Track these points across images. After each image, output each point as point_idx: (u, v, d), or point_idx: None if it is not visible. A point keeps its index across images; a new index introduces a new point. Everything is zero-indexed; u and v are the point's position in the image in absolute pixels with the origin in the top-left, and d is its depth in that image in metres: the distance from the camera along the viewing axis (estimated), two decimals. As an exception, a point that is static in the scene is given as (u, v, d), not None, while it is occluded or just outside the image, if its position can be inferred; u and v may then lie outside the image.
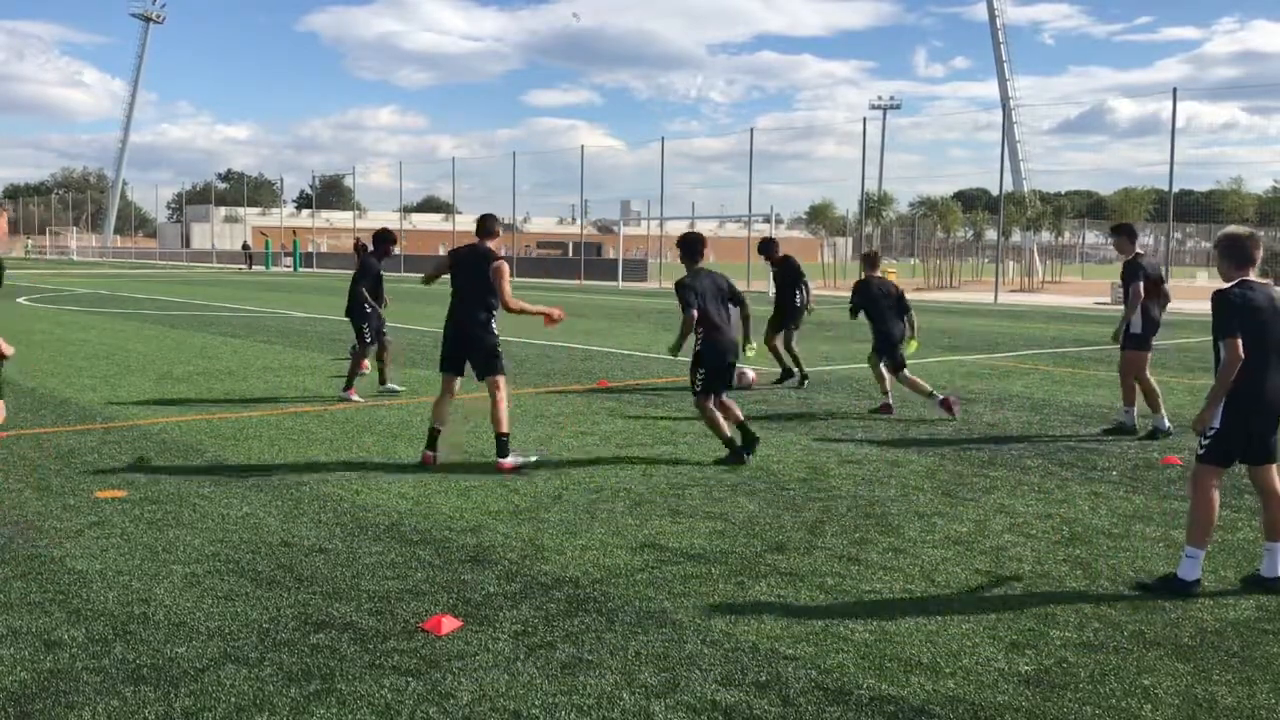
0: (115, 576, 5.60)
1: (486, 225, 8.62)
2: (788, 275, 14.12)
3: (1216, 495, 5.61)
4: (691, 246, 8.70)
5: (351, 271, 12.78)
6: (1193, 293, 43.37)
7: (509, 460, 8.33)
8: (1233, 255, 5.68)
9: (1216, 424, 5.55)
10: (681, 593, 5.45)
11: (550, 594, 5.41)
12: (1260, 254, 5.75)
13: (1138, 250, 10.21)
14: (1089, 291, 42.78)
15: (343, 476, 8.00)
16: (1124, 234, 10.40)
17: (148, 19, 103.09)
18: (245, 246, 72.55)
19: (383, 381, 12.51)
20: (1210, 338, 5.67)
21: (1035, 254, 56.34)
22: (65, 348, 17.04)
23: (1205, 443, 5.62)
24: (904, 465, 8.61)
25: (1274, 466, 5.68)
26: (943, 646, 4.76)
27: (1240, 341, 5.42)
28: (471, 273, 8.43)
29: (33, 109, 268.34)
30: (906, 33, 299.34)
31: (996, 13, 63.62)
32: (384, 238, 12.49)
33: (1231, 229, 5.87)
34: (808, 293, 14.09)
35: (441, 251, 73.19)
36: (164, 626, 4.90)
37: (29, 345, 17.44)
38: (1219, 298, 5.55)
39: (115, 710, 4.05)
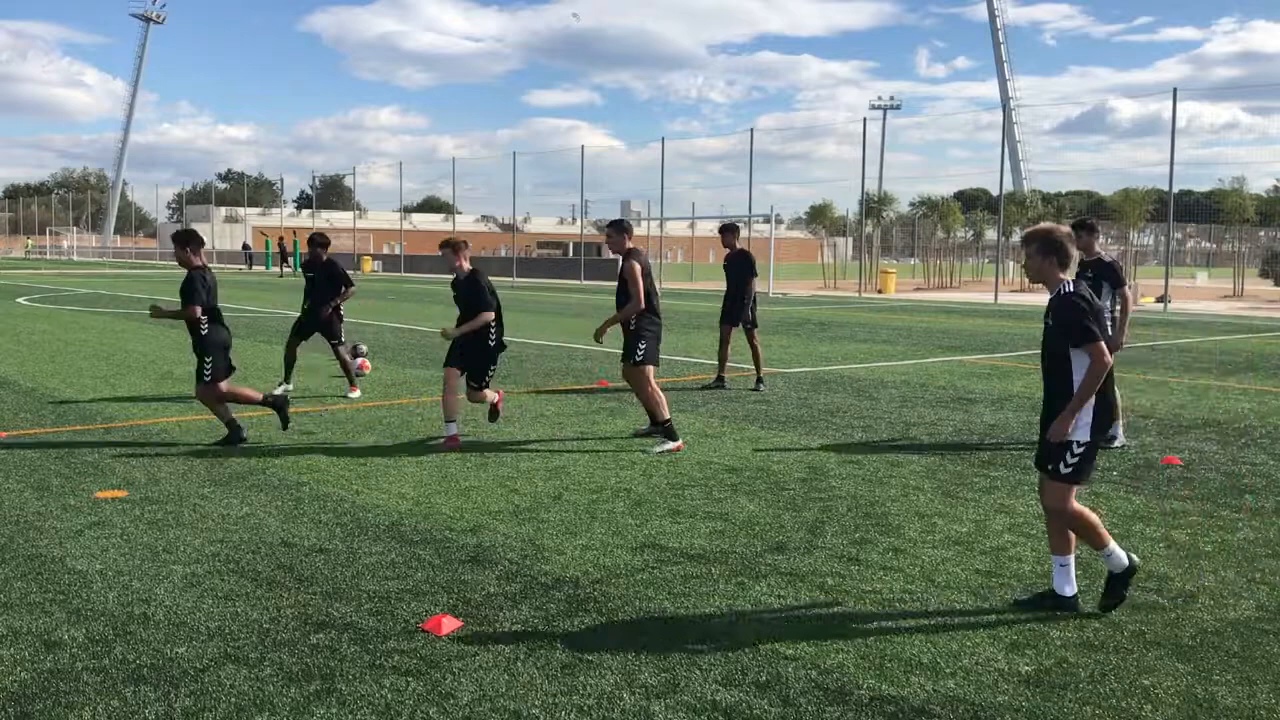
0: (115, 576, 5.60)
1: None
2: (736, 268, 13.35)
3: (1082, 506, 5.21)
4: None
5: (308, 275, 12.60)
6: (1193, 293, 43.40)
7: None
8: (1059, 255, 5.18)
9: (1086, 438, 5.09)
10: (681, 593, 5.45)
11: (550, 594, 5.41)
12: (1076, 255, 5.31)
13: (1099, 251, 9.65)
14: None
15: (343, 476, 8.01)
16: (1094, 232, 9.76)
17: (148, 19, 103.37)
18: (245, 246, 72.58)
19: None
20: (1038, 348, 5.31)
21: (1035, 254, 56.25)
22: (65, 348, 17.04)
23: (1073, 460, 5.10)
24: (904, 465, 8.61)
25: None
26: (943, 646, 4.76)
27: (1104, 346, 5.00)
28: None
29: (34, 109, 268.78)
30: (907, 33, 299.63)
31: (997, 13, 63.76)
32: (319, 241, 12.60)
33: (1046, 225, 5.37)
34: (751, 293, 13.35)
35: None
36: (164, 626, 4.90)
37: (29, 345, 17.44)
38: (1070, 301, 5.05)
39: (115, 710, 4.05)
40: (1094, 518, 5.23)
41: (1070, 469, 5.12)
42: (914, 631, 4.94)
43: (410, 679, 4.36)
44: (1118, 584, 5.25)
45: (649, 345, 9.26)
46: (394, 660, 4.55)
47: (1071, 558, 5.27)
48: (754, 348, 13.37)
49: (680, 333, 21.62)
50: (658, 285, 9.44)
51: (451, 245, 9.24)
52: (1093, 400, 5.09)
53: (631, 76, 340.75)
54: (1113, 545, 5.23)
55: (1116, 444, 9.36)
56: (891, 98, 79.28)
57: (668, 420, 9.18)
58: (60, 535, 6.36)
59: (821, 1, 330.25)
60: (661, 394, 9.31)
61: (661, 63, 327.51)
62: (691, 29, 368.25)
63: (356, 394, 11.99)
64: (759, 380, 13.23)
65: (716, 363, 13.57)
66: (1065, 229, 5.33)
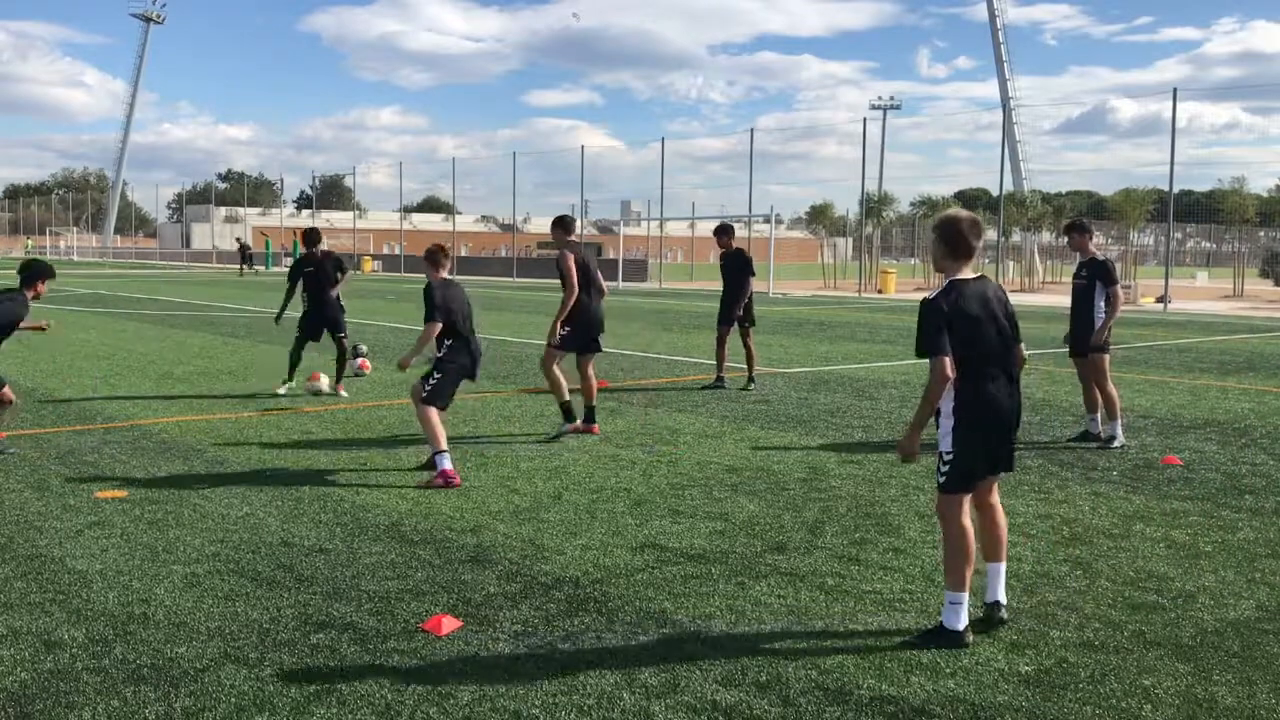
0: (115, 576, 5.60)
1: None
2: (733, 267, 13.30)
3: (969, 525, 4.86)
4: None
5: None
6: (1193, 292, 43.39)
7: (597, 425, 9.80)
8: (953, 244, 4.91)
9: (949, 448, 4.90)
10: (681, 593, 5.45)
11: (550, 594, 5.41)
12: (980, 244, 4.96)
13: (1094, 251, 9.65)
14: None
15: (343, 476, 8.00)
16: (1085, 231, 9.71)
17: (148, 19, 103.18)
18: (243, 246, 71.75)
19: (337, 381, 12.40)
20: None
21: (1035, 254, 56.33)
22: (65, 348, 17.04)
23: (944, 469, 4.93)
24: (904, 465, 8.60)
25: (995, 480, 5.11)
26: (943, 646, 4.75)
27: (949, 359, 4.74)
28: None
29: (34, 109, 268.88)
30: (907, 33, 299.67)
31: (997, 13, 63.67)
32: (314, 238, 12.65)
33: (951, 211, 5.04)
34: (748, 293, 13.28)
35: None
36: (164, 626, 4.90)
37: (29, 345, 17.44)
38: (922, 307, 4.86)
39: (115, 710, 4.05)
40: (967, 548, 4.82)
41: (944, 478, 4.92)
42: (914, 631, 4.93)
43: (410, 679, 4.36)
44: (935, 636, 4.78)
45: (567, 333, 9.82)
46: (394, 660, 4.55)
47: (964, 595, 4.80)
48: (748, 347, 13.39)
49: (680, 333, 21.61)
50: (600, 276, 10.24)
51: (429, 257, 8.61)
52: (950, 408, 4.89)
53: (631, 76, 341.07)
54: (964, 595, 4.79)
55: (1116, 444, 9.36)
56: (891, 98, 79.24)
57: (564, 401, 9.70)
58: (60, 535, 6.36)
59: (821, 1, 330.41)
60: (563, 379, 9.71)
61: (661, 63, 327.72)
62: (691, 29, 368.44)
63: (344, 394, 12.01)
64: (750, 379, 13.24)
65: (715, 363, 13.58)
66: (967, 216, 4.98)
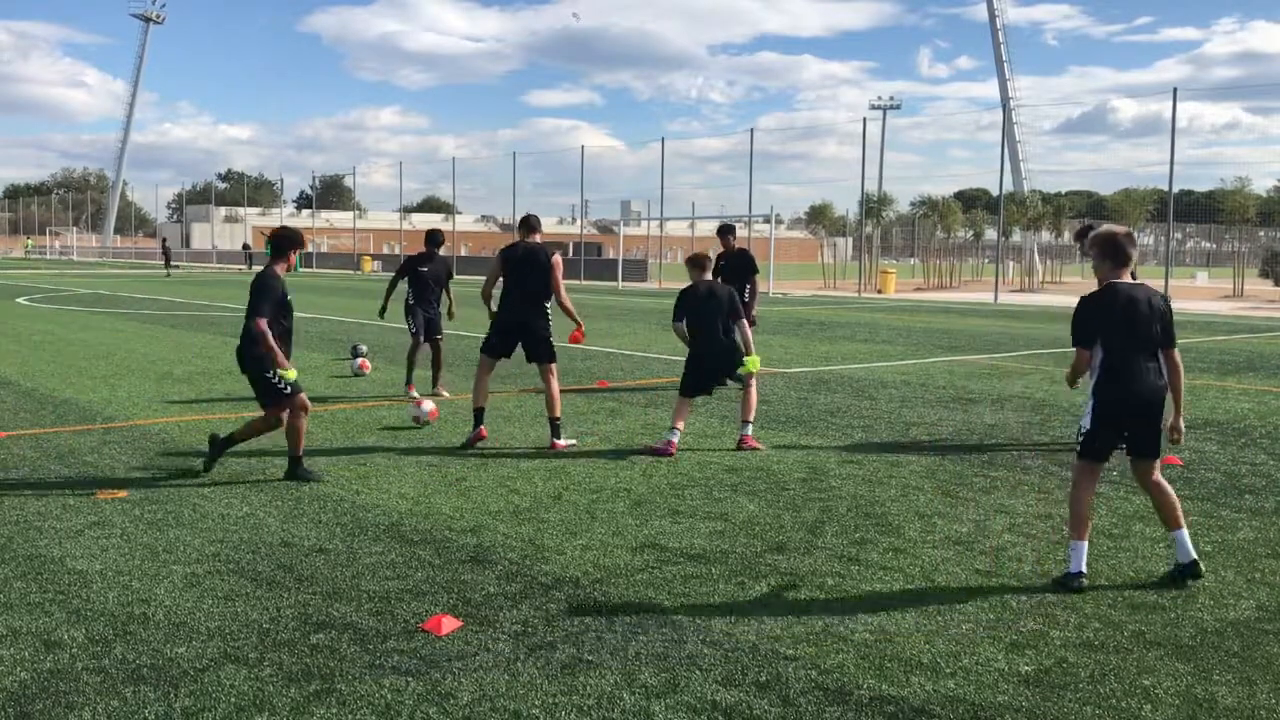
0: (115, 576, 5.60)
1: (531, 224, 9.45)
2: (736, 268, 13.11)
3: (1087, 491, 5.79)
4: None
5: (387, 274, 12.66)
6: (1193, 292, 43.38)
7: (562, 442, 9.13)
8: (1114, 254, 5.74)
9: (1087, 425, 5.77)
10: (681, 593, 5.45)
11: (550, 594, 5.41)
12: (1135, 252, 5.80)
13: None
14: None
15: (343, 476, 8.00)
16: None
17: (148, 19, 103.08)
18: (245, 246, 72.62)
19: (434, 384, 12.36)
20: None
21: (1035, 254, 56.33)
22: (65, 348, 17.04)
23: (1079, 440, 5.86)
24: (904, 465, 8.61)
25: (1155, 462, 5.88)
26: (943, 646, 4.76)
27: (1087, 350, 5.65)
28: (530, 268, 9.17)
29: (34, 109, 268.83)
30: (908, 33, 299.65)
31: (996, 13, 63.65)
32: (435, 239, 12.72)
33: (1108, 227, 5.91)
34: (753, 294, 13.15)
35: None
36: (164, 626, 4.90)
37: (29, 345, 17.44)
38: (1078, 303, 5.72)
39: (115, 710, 4.05)
40: (1080, 510, 5.74)
41: (1080, 447, 5.85)
42: (914, 631, 4.94)
43: (410, 679, 4.36)
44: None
45: (488, 335, 9.44)
46: (394, 660, 4.55)
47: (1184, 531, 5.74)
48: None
49: (680, 333, 21.61)
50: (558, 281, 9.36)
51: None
52: (1091, 390, 5.78)
53: (632, 76, 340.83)
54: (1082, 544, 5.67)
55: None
56: (891, 98, 79.07)
57: (476, 408, 9.30)
58: (60, 535, 6.36)
59: (821, 1, 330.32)
60: (483, 386, 9.36)
61: (661, 63, 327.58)
62: (691, 29, 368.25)
63: (446, 394, 12.01)
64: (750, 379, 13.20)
65: None
66: (1123, 230, 5.82)
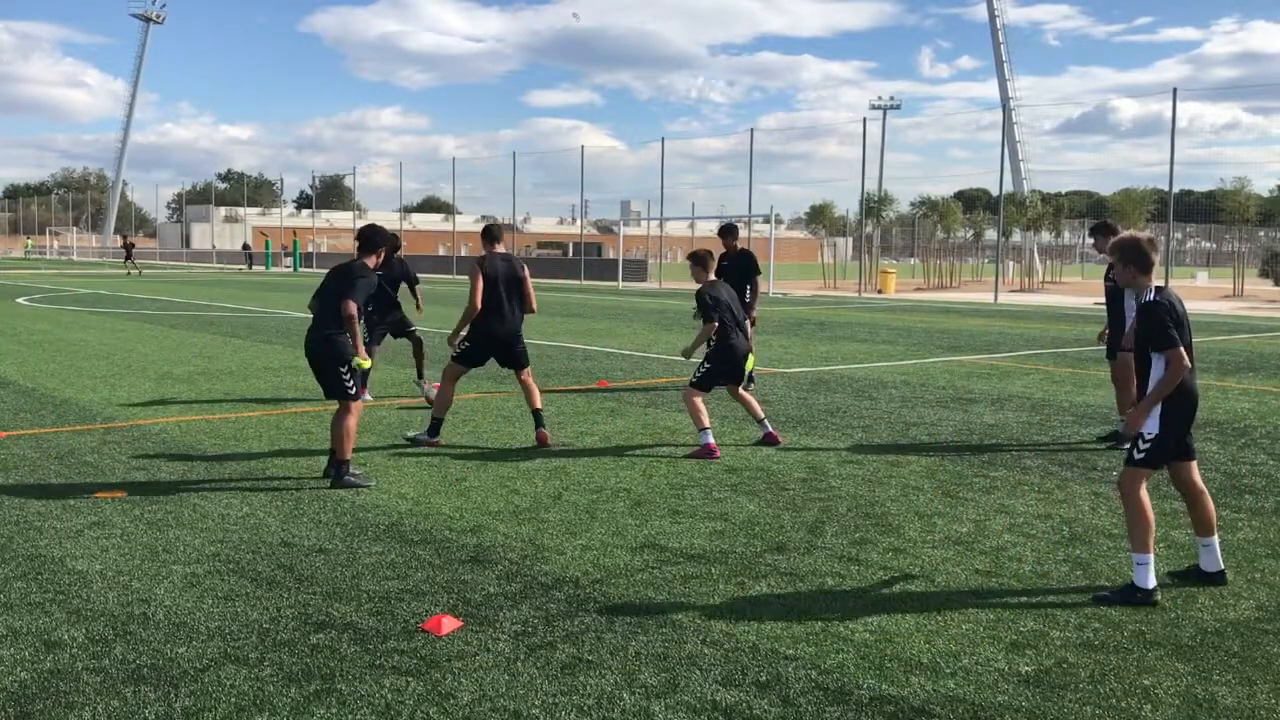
0: (115, 576, 5.60)
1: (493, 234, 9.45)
2: (739, 269, 13.11)
3: (1147, 497, 5.56)
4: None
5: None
6: (1193, 292, 43.37)
7: (548, 431, 9.34)
8: (1140, 263, 5.63)
9: (1156, 430, 5.50)
10: (681, 593, 5.45)
11: (550, 594, 5.41)
12: (1158, 256, 5.73)
13: None
14: (1089, 292, 42.75)
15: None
16: (1113, 232, 9.46)
17: (148, 19, 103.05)
18: (245, 246, 72.62)
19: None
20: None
21: (1035, 254, 56.32)
22: (65, 348, 17.04)
23: (1144, 447, 5.53)
24: (904, 465, 8.61)
25: (1195, 464, 5.79)
26: (943, 646, 4.76)
27: (1183, 350, 5.43)
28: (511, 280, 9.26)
29: (35, 109, 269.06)
30: (908, 33, 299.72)
31: (996, 13, 63.65)
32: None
33: (1131, 234, 5.84)
34: (754, 294, 13.16)
35: (442, 252, 73.27)
36: (164, 626, 4.90)
37: (29, 345, 17.44)
38: (1151, 309, 5.49)
39: (115, 710, 4.05)
40: (1149, 517, 5.49)
41: (1142, 455, 5.54)
42: (914, 631, 4.94)
43: (410, 679, 4.36)
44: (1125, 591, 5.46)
45: (466, 345, 9.35)
46: (394, 660, 4.55)
47: (1150, 556, 5.44)
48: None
49: (680, 333, 21.59)
50: (528, 291, 9.43)
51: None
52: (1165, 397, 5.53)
53: (632, 77, 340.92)
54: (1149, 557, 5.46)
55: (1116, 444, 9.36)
56: (892, 98, 78.97)
57: (435, 417, 9.25)
58: (60, 535, 6.36)
59: (821, 1, 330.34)
60: (448, 395, 9.29)
61: (661, 63, 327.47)
62: (691, 29, 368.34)
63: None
64: (749, 379, 13.20)
65: None
66: (1145, 235, 5.75)
